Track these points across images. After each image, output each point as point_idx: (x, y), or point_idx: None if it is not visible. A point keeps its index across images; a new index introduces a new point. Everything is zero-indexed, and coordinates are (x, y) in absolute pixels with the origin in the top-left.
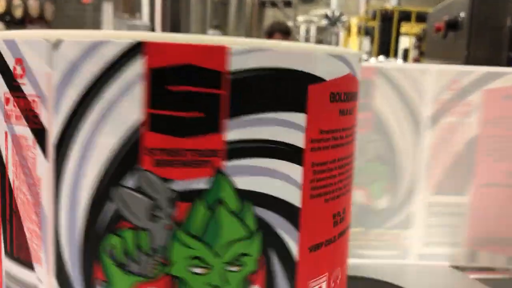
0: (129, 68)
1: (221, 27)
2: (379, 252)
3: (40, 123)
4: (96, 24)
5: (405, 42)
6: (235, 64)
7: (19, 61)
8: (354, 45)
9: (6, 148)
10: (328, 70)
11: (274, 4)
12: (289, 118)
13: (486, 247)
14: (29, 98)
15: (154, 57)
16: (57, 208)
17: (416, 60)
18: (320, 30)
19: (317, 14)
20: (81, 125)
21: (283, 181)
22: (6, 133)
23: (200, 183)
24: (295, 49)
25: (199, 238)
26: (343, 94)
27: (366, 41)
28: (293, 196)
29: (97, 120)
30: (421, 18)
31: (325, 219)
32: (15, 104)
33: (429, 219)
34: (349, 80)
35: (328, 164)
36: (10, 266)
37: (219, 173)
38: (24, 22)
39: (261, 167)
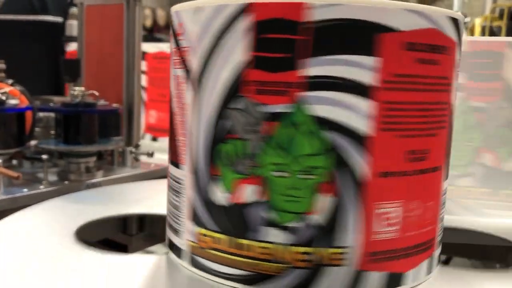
0: (242, 20)
1: None
2: (507, 212)
3: (190, 66)
4: None
5: None
6: (317, 15)
7: (180, 24)
8: None
9: (174, 87)
10: (403, 23)
11: None
12: (359, 60)
13: None
14: (185, 49)
15: (258, 13)
16: (197, 125)
17: None
18: None
19: None
20: (211, 66)
21: (354, 112)
22: (174, 76)
23: (286, 108)
24: (370, 3)
25: (284, 148)
26: (423, 45)
27: None
28: (363, 126)
29: (221, 62)
30: None
31: (395, 152)
32: (177, 54)
33: None
34: (432, 34)
35: (402, 104)
36: (171, 169)
37: (300, 101)
38: (153, 30)
39: (335, 99)
